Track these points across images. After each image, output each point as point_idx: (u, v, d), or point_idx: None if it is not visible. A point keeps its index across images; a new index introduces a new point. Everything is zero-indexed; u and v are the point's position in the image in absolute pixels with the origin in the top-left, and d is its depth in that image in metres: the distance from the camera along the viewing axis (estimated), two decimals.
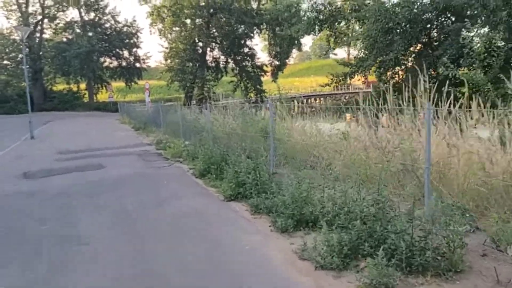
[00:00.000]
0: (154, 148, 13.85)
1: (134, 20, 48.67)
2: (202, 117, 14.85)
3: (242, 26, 37.42)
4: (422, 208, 4.59)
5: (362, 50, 18.28)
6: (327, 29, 20.48)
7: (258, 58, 42.66)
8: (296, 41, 39.57)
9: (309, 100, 67.93)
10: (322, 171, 7.30)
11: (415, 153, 5.83)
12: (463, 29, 16.61)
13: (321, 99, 69.41)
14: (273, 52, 41.26)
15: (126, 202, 6.72)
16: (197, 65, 40.06)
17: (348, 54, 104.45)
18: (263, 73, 41.71)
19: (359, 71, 20.96)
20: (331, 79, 21.92)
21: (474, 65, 14.21)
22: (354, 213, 4.34)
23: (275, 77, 41.86)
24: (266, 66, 42.00)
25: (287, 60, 41.53)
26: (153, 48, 76.74)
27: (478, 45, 13.01)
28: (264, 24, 39.29)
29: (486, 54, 13.34)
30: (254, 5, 39.28)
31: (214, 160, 8.16)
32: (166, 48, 38.01)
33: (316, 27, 19.91)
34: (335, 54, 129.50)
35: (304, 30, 19.90)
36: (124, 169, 9.84)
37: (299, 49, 45.01)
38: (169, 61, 38.18)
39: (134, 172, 9.48)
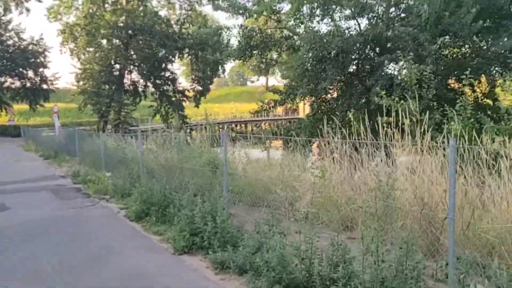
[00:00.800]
0: (70, 181, 11.87)
1: (41, 38, 44.54)
2: (127, 145, 13.25)
3: (164, 49, 35.93)
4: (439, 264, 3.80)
5: (293, 78, 18.00)
6: (258, 55, 20.03)
7: (180, 83, 41.28)
8: (220, 66, 38.98)
9: (236, 125, 67.62)
10: (287, 211, 6.35)
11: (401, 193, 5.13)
12: (386, 61, 17.16)
13: (242, 125, 69.62)
14: (196, 77, 40.19)
15: (42, 262, 5.10)
16: (114, 88, 37.49)
17: (267, 82, 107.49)
18: (185, 98, 40.30)
19: (289, 99, 20.73)
20: (261, 106, 21.42)
21: (405, 96, 14.43)
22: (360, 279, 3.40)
23: (198, 102, 40.67)
24: (188, 91, 40.70)
25: (210, 86, 40.61)
26: (62, 69, 71.33)
27: (408, 77, 13.20)
28: (187, 48, 38.20)
29: (417, 86, 13.63)
30: (176, 28, 38.13)
31: (155, 200, 6.80)
32: (80, 69, 35.05)
33: (247, 53, 19.36)
34: (252, 82, 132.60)
35: (235, 56, 19.19)
36: (36, 211, 7.99)
37: (221, 75, 44.33)
38: (82, 83, 35.22)
39: (49, 214, 7.69)
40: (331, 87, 18.06)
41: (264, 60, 20.24)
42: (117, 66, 37.38)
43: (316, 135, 18.27)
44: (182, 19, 39.36)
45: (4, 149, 24.34)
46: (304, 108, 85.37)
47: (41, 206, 8.50)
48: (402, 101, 13.56)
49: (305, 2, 16.08)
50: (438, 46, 14.02)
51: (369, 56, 18.06)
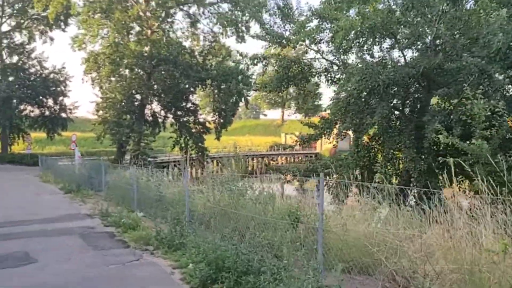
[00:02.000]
0: (99, 222, 10.45)
1: (63, 67, 44.51)
2: (161, 181, 11.91)
3: (187, 80, 35.18)
4: None
5: (333, 112, 16.71)
6: (294, 86, 18.84)
7: (201, 114, 40.40)
8: (243, 98, 38.04)
9: (253, 159, 66.19)
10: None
11: None
12: (435, 96, 15.82)
13: (259, 158, 68.23)
14: (217, 109, 39.30)
15: None
16: (134, 118, 36.69)
17: (283, 115, 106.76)
18: (205, 130, 39.26)
19: (326, 133, 19.42)
20: (296, 141, 20.11)
21: (473, 135, 13.00)
22: None
23: (219, 134, 39.57)
24: (209, 122, 39.73)
25: (232, 118, 39.56)
26: (81, 98, 71.80)
27: (477, 113, 11.73)
28: (209, 79, 37.50)
29: (487, 123, 12.21)
30: (200, 59, 37.56)
31: (227, 262, 5.30)
32: (101, 98, 34.39)
33: (283, 83, 18.20)
34: (265, 115, 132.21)
35: (271, 87, 18.03)
36: (67, 265, 6.56)
37: (246, 106, 43.41)
38: (102, 112, 34.47)
39: (84, 273, 6.22)
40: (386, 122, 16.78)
41: (302, 91, 18.98)
42: (138, 96, 36.73)
43: (362, 173, 16.72)
44: (206, 50, 38.88)
45: (22, 180, 23.15)
46: (321, 143, 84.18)
47: (70, 258, 7.06)
48: (473, 141, 12.16)
49: (351, 32, 14.90)
50: (509, 80, 12.67)
51: (419, 90, 16.82)
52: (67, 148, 61.94)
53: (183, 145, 39.35)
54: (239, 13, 37.06)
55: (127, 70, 36.65)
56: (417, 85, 16.79)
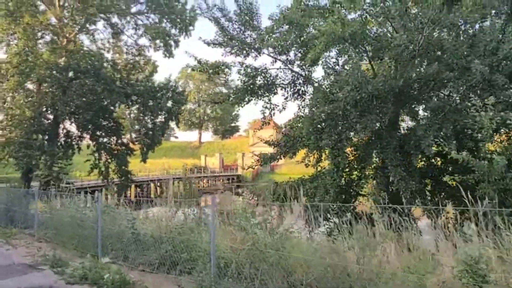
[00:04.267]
0: (56, 277, 7.29)
1: None
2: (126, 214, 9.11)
3: (110, 96, 31.28)
4: None
5: (301, 127, 15.11)
6: (262, 99, 16.85)
7: (123, 135, 36.41)
8: (173, 116, 34.94)
9: (178, 182, 62.21)
10: None
11: None
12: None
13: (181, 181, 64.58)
14: (143, 128, 35.71)
15: None
16: (46, 138, 31.74)
17: (200, 137, 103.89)
18: (129, 152, 35.29)
19: (290, 152, 17.79)
20: (257, 161, 18.09)
21: (473, 149, 12.17)
22: None
23: (145, 157, 35.83)
24: (133, 143, 35.93)
25: (162, 138, 36.10)
26: None
27: (487, 125, 10.86)
28: (135, 96, 33.96)
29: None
30: (124, 73, 33.88)
31: None
32: (5, 115, 28.97)
33: (247, 96, 16.17)
34: (176, 137, 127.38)
35: (235, 100, 15.84)
36: None
37: (177, 125, 40.37)
38: (6, 131, 29.01)
39: None
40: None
41: (268, 105, 17.09)
42: (50, 114, 31.89)
43: (343, 196, 15.09)
44: (130, 64, 35.40)
45: None
46: (243, 164, 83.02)
47: None
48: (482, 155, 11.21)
49: (331, 37, 13.50)
50: None
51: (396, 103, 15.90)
52: None
53: (102, 168, 35.00)
54: (168, 24, 34.48)
55: (33, 85, 31.83)
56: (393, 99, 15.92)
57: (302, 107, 18.01)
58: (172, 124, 38.47)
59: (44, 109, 30.47)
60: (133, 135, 38.98)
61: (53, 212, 11.80)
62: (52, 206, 12.64)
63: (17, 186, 28.20)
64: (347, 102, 12.82)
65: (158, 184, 58.42)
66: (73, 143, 34.82)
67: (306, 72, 17.25)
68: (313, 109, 15.19)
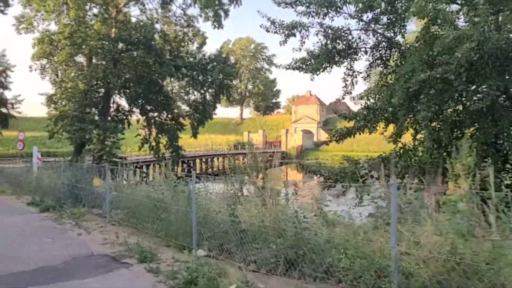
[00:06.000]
0: (152, 279, 5.88)
1: (3, 55, 37.58)
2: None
3: (161, 68, 30.05)
4: None
5: (404, 95, 12.92)
6: (341, 65, 14.82)
7: (173, 109, 35.30)
8: (225, 90, 33.49)
9: (218, 158, 61.83)
10: None
11: None
12: None
13: (222, 158, 63.77)
14: (194, 102, 34.53)
15: None
16: (98, 112, 31.13)
17: (241, 113, 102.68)
18: (179, 127, 34.26)
19: (370, 126, 15.82)
20: (332, 135, 16.22)
21: None
22: None
23: (195, 132, 34.75)
24: (183, 118, 34.81)
25: (214, 112, 34.82)
26: (25, 92, 61.87)
27: None
28: (184, 68, 32.61)
29: None
30: (174, 45, 32.56)
31: None
32: (59, 88, 28.39)
33: (328, 61, 14.15)
34: (215, 114, 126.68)
35: (314, 66, 13.91)
36: None
37: (229, 99, 39.01)
38: (61, 104, 28.48)
39: None
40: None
41: (351, 72, 15.10)
42: (102, 87, 31.12)
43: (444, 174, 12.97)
44: (180, 36, 33.95)
45: None
46: (287, 141, 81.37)
47: None
48: None
49: None
50: None
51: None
52: (9, 149, 54.12)
53: (153, 143, 34.24)
54: None
55: (84, 58, 31.11)
56: None
57: (384, 75, 15.92)
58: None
59: (96, 82, 29.65)
60: (184, 109, 37.84)
61: (123, 191, 10.58)
62: (119, 183, 11.45)
63: (71, 160, 27.91)
64: (461, 64, 10.65)
65: (204, 160, 57.79)
66: (123, 117, 34.22)
67: (392, 34, 15.07)
68: (407, 75, 13.03)
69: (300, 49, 14.38)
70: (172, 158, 34.38)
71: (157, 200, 8.74)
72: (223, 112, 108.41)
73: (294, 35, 13.95)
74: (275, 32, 13.90)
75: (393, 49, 15.40)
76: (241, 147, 72.79)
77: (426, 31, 13.51)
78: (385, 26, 14.68)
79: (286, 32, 13.87)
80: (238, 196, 7.59)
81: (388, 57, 15.54)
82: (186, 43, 34.59)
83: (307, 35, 14.07)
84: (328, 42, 13.78)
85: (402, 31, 14.93)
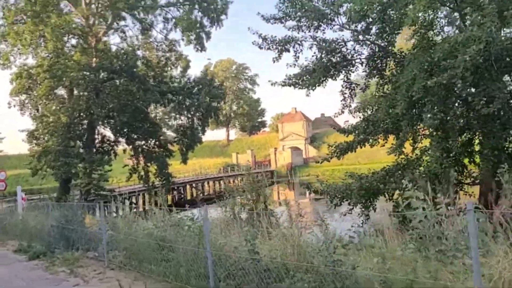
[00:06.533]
0: None
1: None
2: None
3: (146, 95, 29.22)
4: None
5: (406, 103, 12.37)
6: (336, 78, 14.28)
7: (160, 136, 34.39)
8: (213, 113, 32.75)
9: (208, 183, 60.72)
10: None
11: None
12: None
13: (215, 182, 62.61)
14: (181, 128, 33.69)
15: None
16: (82, 145, 30.07)
17: (228, 135, 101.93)
18: (168, 154, 33.31)
19: (371, 139, 15.34)
20: (333, 151, 15.60)
21: None
22: None
23: (185, 157, 33.82)
24: (172, 144, 33.92)
25: (202, 136, 34.03)
26: (4, 129, 59.97)
27: None
28: (169, 94, 31.90)
29: None
30: (157, 71, 31.86)
31: None
32: (40, 123, 27.26)
33: (325, 73, 13.61)
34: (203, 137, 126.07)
35: (311, 81, 13.31)
36: None
37: (217, 121, 38.32)
38: (40, 140, 27.30)
39: None
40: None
41: (349, 84, 14.58)
42: (85, 119, 30.11)
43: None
44: (162, 61, 33.40)
45: None
46: (276, 159, 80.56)
47: None
48: None
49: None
50: None
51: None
52: None
53: (142, 173, 33.19)
54: (200, 14, 32.22)
55: (64, 91, 30.21)
56: None
57: (381, 85, 15.47)
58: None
59: (78, 114, 28.68)
60: (170, 135, 37.00)
61: (120, 230, 9.66)
62: (114, 221, 10.53)
63: (58, 197, 26.65)
64: (467, 68, 10.18)
65: (194, 185, 56.60)
66: (109, 148, 33.20)
67: (386, 43, 14.68)
68: (407, 83, 12.54)
69: (295, 65, 13.86)
70: (163, 186, 33.33)
71: (160, 238, 7.89)
72: (209, 134, 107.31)
73: (288, 50, 13.44)
74: (268, 49, 13.37)
75: (388, 59, 15.00)
76: (230, 169, 71.90)
77: (423, 37, 13.14)
78: (377, 35, 14.29)
79: (279, 48, 13.34)
80: (256, 228, 6.79)
81: (384, 67, 15.12)
82: (169, 67, 34.04)
83: (301, 50, 13.58)
84: (323, 55, 13.27)
85: (393, 39, 14.56)
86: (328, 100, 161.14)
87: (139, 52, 32.65)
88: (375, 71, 14.87)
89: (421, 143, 15.32)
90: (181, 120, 33.80)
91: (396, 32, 14.00)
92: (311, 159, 76.67)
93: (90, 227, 11.13)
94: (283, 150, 79.16)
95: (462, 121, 11.99)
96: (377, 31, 14.15)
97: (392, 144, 16.09)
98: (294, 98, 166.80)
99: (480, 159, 12.01)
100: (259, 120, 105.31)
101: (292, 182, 65.96)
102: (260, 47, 13.21)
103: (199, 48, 33.29)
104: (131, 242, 8.74)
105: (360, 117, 15.29)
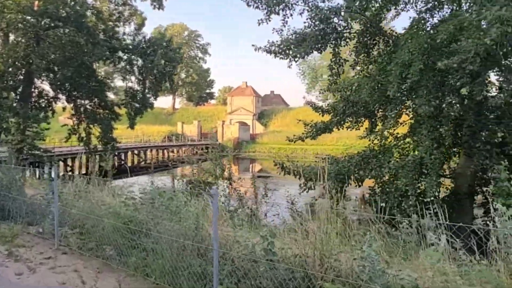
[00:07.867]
0: None
1: None
2: None
3: (95, 48, 26.30)
4: None
5: (397, 87, 11.49)
6: (324, 50, 13.07)
7: (106, 97, 31.51)
8: (167, 77, 30.35)
9: (151, 151, 58.01)
10: None
11: None
12: None
13: (159, 150, 60.02)
14: (130, 90, 31.00)
15: None
16: (18, 97, 26.73)
17: (174, 103, 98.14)
18: (114, 117, 30.62)
19: (353, 121, 14.55)
20: (308, 131, 14.53)
21: None
22: None
23: (132, 122, 31.32)
24: (119, 107, 31.20)
25: (154, 101, 31.57)
26: None
27: None
28: (123, 52, 29.08)
29: None
30: (110, 24, 28.84)
31: None
32: None
33: (315, 45, 12.34)
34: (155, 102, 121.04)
35: (302, 50, 11.94)
36: None
37: (171, 87, 35.90)
38: None
39: None
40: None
41: (336, 57, 13.42)
42: (22, 68, 26.65)
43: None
44: (115, 14, 30.31)
45: None
46: (223, 132, 79.08)
47: None
48: None
49: None
50: None
51: None
52: None
53: (83, 134, 30.39)
54: None
55: (0, 34, 26.46)
56: None
57: (366, 65, 14.52)
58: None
59: (14, 62, 25.22)
60: (113, 98, 34.22)
61: (68, 202, 7.91)
62: (60, 190, 8.67)
63: None
64: (478, 53, 9.37)
65: (136, 152, 53.79)
66: (47, 104, 29.89)
67: (377, 22, 13.67)
68: (401, 64, 11.60)
69: (282, 30, 12.41)
70: (105, 151, 30.76)
71: (129, 218, 6.33)
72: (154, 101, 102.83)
73: (277, 12, 11.94)
74: (256, 7, 11.80)
75: (377, 37, 14.02)
76: (175, 138, 69.48)
77: (421, 17, 12.26)
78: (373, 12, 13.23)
79: (269, 9, 11.81)
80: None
81: (372, 46, 14.12)
82: (122, 23, 30.99)
83: (291, 14, 12.14)
84: (316, 23, 11.94)
85: (389, 16, 13.61)
86: (278, 78, 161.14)
87: (89, 0, 29.29)
88: (363, 49, 13.84)
89: (396, 129, 14.69)
90: (131, 82, 31.13)
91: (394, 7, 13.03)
92: (257, 135, 76.11)
93: (33, 196, 9.19)
94: (231, 124, 77.67)
95: (456, 108, 11.29)
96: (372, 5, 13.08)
97: (366, 128, 15.36)
98: (243, 72, 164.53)
99: (471, 152, 11.48)
100: (207, 91, 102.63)
101: (237, 157, 65.00)
102: (248, 5, 11.63)
103: (157, 6, 30.56)
104: (88, 220, 7.08)
105: (329, 98, 14.28)
